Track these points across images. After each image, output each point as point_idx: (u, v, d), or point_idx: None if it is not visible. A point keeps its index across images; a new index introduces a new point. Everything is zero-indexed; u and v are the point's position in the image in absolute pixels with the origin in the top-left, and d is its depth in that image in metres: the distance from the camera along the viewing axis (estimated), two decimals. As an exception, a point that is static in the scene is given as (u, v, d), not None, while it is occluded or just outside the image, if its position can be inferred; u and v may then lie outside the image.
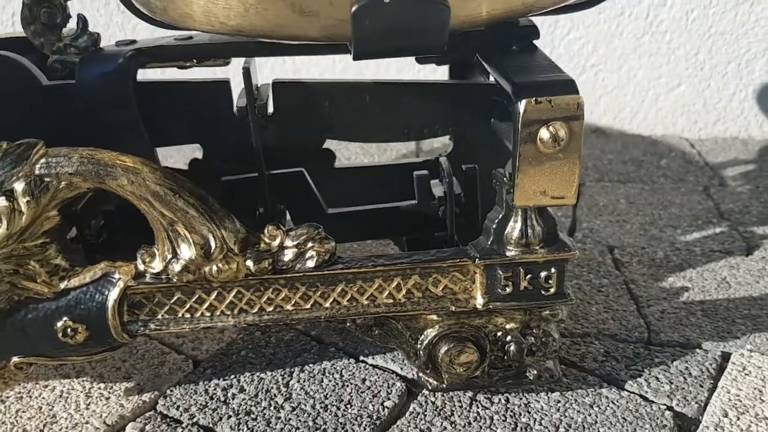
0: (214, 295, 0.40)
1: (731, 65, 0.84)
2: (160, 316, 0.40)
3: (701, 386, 0.45)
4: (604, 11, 0.84)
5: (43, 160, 0.37)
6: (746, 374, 0.46)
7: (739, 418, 0.42)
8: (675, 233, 0.65)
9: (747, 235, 0.64)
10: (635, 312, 0.53)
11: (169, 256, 0.39)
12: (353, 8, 0.28)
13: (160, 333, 0.42)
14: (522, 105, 0.35)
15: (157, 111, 0.43)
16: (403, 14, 0.28)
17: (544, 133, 0.35)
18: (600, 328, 0.51)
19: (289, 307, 0.40)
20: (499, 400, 0.44)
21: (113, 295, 0.39)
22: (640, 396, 0.45)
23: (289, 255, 0.39)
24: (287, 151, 0.47)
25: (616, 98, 0.88)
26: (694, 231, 0.65)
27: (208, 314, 0.40)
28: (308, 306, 0.40)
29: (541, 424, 0.42)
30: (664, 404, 0.44)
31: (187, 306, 0.40)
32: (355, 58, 0.30)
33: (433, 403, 0.44)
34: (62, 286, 0.39)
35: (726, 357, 0.48)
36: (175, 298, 0.40)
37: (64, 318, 0.39)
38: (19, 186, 0.36)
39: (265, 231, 0.39)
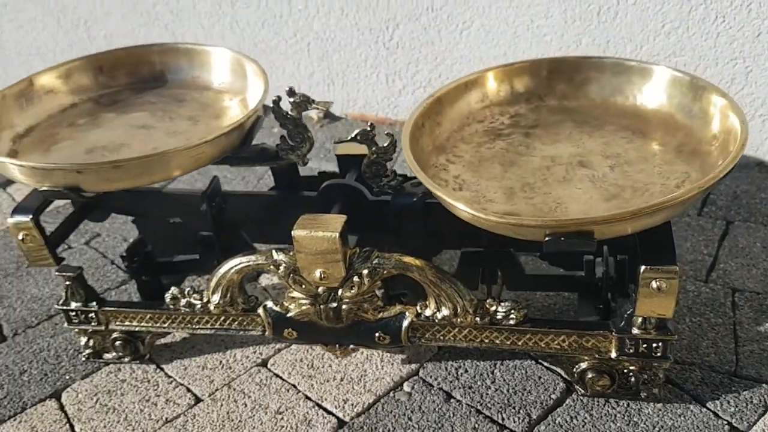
0: (456, 330, 0.73)
1: None
2: (427, 336, 0.74)
3: (755, 411, 0.70)
4: (776, 74, 0.99)
5: (376, 260, 0.71)
6: (793, 410, 0.71)
7: (772, 440, 0.68)
8: (790, 283, 0.86)
9: None
10: (732, 350, 0.78)
11: (435, 311, 0.72)
12: (545, 239, 0.58)
13: (426, 344, 0.75)
14: (642, 268, 0.61)
15: (434, 219, 0.75)
16: (570, 242, 0.57)
17: (653, 284, 0.61)
18: (703, 360, 0.77)
19: (497, 342, 0.72)
20: (623, 404, 0.73)
21: (405, 323, 0.73)
22: (713, 413, 0.71)
23: (500, 315, 0.71)
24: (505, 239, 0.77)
25: (781, 141, 1.05)
26: (807, 283, 0.86)
27: (452, 339, 0.73)
28: (508, 342, 0.72)
29: (645, 423, 0.71)
30: (727, 420, 0.70)
31: (441, 333, 0.73)
32: (543, 256, 0.60)
33: (581, 400, 0.74)
34: (379, 316, 0.74)
35: (786, 394, 0.72)
36: (435, 329, 0.73)
37: (379, 331, 0.74)
38: (365, 271, 0.71)
39: (488, 301, 0.71)
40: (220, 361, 0.85)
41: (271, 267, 0.73)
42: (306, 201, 0.81)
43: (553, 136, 0.75)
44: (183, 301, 0.79)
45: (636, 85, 0.75)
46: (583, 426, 0.71)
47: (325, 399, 0.78)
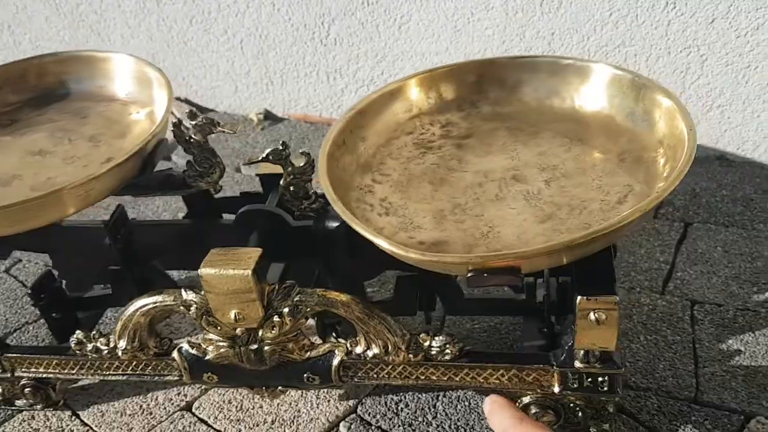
0: (389, 368, 0.66)
1: None
2: (359, 374, 0.67)
3: (718, 445, 0.65)
4: (731, 64, 0.93)
5: (298, 297, 0.63)
6: (756, 439, 0.65)
7: (734, 475, 0.63)
8: (751, 291, 0.80)
9: (814, 299, 0.78)
10: (692, 372, 0.72)
11: (365, 348, 0.65)
12: (468, 275, 0.51)
13: (360, 383, 0.69)
14: (578, 299, 0.55)
15: (359, 245, 0.67)
16: (494, 278, 0.51)
17: (591, 316, 0.55)
18: (660, 385, 0.71)
19: (433, 378, 0.66)
20: (571, 438, 0.67)
21: (335, 362, 0.66)
22: (671, 446, 0.66)
23: (434, 351, 0.64)
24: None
25: (739, 133, 0.99)
26: (767, 290, 0.80)
27: (386, 377, 0.67)
28: (445, 378, 0.65)
29: (595, 460, 0.65)
30: (686, 455, 0.65)
31: (374, 371, 0.67)
32: (468, 286, 0.53)
33: (526, 436, 0.68)
34: (306, 355, 0.67)
35: (748, 420, 0.67)
36: (367, 367, 0.66)
37: (307, 372, 0.67)
38: (285, 310, 0.64)
39: (420, 336, 0.64)
40: (140, 406, 0.78)
41: (181, 308, 0.66)
42: (222, 229, 0.73)
43: (486, 147, 0.68)
44: (89, 346, 0.71)
45: (573, 85, 0.69)
46: (531, 466, 0.65)
47: (254, 445, 0.72)
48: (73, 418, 0.78)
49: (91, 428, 0.76)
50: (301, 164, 0.66)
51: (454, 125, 0.72)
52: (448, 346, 0.64)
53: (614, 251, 0.69)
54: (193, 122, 0.65)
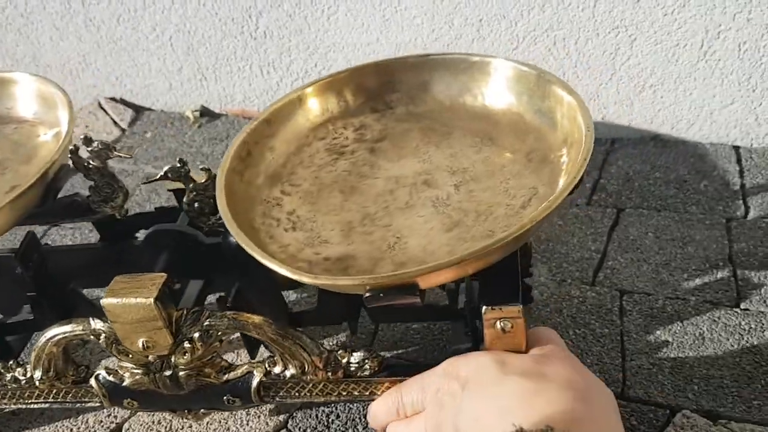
0: (309, 387, 0.65)
1: (782, 90, 0.90)
2: (281, 394, 0.66)
3: (642, 441, 0.65)
4: (661, 42, 0.92)
5: (208, 321, 0.62)
6: (679, 433, 0.65)
7: (656, 473, 0.63)
8: (681, 278, 0.80)
9: (742, 283, 0.78)
10: (619, 366, 0.72)
11: (283, 368, 0.64)
12: (365, 295, 0.50)
13: (282, 402, 0.68)
14: (484, 308, 0.54)
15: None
16: (390, 297, 0.49)
17: (498, 325, 0.54)
18: (587, 380, 0.71)
19: (355, 393, 0.65)
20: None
21: (254, 382, 0.65)
22: (596, 445, 0.65)
23: (353, 367, 0.63)
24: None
25: (673, 112, 0.98)
26: (697, 276, 0.80)
27: (308, 395, 0.65)
28: (367, 393, 0.64)
29: (521, 464, 0.65)
30: (610, 454, 0.65)
31: (294, 390, 0.65)
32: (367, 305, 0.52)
33: (453, 443, 0.68)
34: (225, 378, 0.66)
35: (673, 414, 0.67)
36: (288, 386, 0.65)
37: (227, 394, 0.66)
38: (196, 335, 0.62)
39: (339, 353, 0.63)
40: (71, 430, 0.77)
41: (91, 337, 0.64)
42: (134, 250, 0.71)
43: (398, 151, 0.66)
44: (8, 377, 0.70)
45: (483, 82, 0.67)
46: (458, 473, 0.65)
47: (183, 466, 0.71)
48: (3, 446, 0.77)
49: (21, 456, 0.75)
50: (203, 180, 0.64)
51: (368, 128, 0.70)
52: (366, 361, 0.63)
53: (528, 254, 0.69)
54: (89, 148, 0.62)
